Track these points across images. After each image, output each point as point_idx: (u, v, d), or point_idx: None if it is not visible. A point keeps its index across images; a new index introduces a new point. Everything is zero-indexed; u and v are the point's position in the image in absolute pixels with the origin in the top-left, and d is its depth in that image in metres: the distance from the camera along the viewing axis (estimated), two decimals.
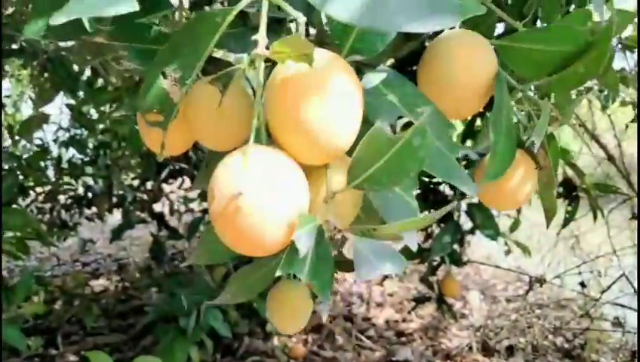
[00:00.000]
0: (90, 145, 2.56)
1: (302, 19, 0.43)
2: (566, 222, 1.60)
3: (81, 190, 2.61)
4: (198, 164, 2.37)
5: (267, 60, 0.46)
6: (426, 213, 0.53)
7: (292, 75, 0.43)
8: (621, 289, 2.22)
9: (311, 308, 0.70)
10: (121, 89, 1.68)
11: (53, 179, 2.43)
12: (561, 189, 1.59)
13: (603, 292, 2.22)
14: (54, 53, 1.31)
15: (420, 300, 1.98)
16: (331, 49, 0.47)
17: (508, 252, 2.12)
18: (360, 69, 0.54)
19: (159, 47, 0.54)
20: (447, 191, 1.62)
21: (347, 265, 0.76)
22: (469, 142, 1.27)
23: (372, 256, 0.43)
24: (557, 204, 0.75)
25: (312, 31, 0.60)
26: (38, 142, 2.46)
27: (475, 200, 1.58)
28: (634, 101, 1.67)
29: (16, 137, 2.26)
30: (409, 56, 0.67)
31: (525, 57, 0.59)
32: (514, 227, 1.96)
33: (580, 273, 2.41)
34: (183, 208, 2.89)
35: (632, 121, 1.85)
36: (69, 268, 3.23)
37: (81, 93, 1.77)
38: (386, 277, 2.72)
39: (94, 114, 2.39)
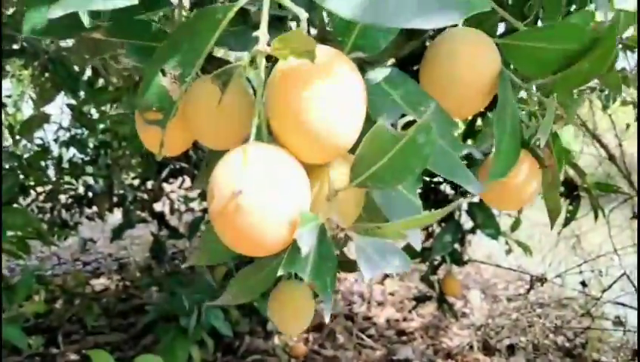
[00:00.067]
0: (91, 145, 2.56)
1: (304, 15, 0.42)
2: (567, 222, 1.60)
3: (81, 189, 2.61)
4: (199, 163, 2.37)
5: (268, 59, 0.45)
6: (427, 212, 0.51)
7: (293, 71, 0.43)
8: (622, 289, 2.22)
9: (313, 309, 0.69)
10: (122, 89, 1.68)
11: (53, 179, 2.43)
12: (562, 189, 1.59)
13: (604, 291, 2.21)
14: (55, 53, 1.31)
15: (420, 299, 1.98)
16: (333, 46, 0.46)
17: (509, 251, 2.12)
18: (362, 67, 0.53)
19: (158, 44, 0.52)
20: (448, 190, 1.61)
21: (350, 265, 0.75)
22: (469, 142, 1.27)
23: (375, 255, 0.42)
24: (561, 203, 0.74)
25: (313, 31, 0.59)
26: (38, 141, 2.46)
27: (476, 199, 1.58)
28: (635, 101, 1.67)
29: (17, 137, 2.26)
30: (410, 55, 0.66)
31: (529, 55, 0.58)
32: (515, 226, 1.96)
33: (581, 272, 2.41)
34: (183, 207, 2.90)
35: (635, 121, 1.85)
36: (69, 268, 3.23)
37: (82, 93, 1.77)
38: (386, 276, 2.71)
39: (95, 113, 2.39)
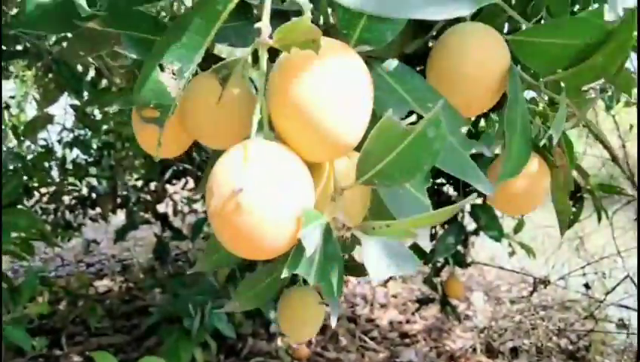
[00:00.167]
0: (94, 146, 2.57)
1: (308, 5, 0.40)
2: (570, 223, 1.60)
3: (85, 191, 2.62)
4: (202, 164, 2.37)
5: (272, 56, 0.44)
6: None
7: (297, 64, 0.41)
8: (626, 291, 2.22)
9: (322, 315, 0.68)
10: (126, 90, 1.69)
11: (57, 180, 2.44)
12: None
13: (607, 293, 2.21)
14: (59, 54, 1.31)
15: (423, 301, 1.98)
16: (338, 39, 0.45)
17: (512, 253, 2.12)
18: (367, 62, 0.51)
19: (157, 37, 0.51)
20: (451, 192, 1.61)
21: (359, 270, 0.74)
22: None
23: (383, 256, 0.39)
24: (570, 207, 0.72)
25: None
26: (42, 142, 2.47)
27: (479, 201, 1.57)
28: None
29: (21, 138, 2.27)
30: (414, 56, 0.66)
31: (540, 51, 0.57)
32: (518, 228, 1.96)
33: (584, 274, 2.41)
34: (186, 209, 2.90)
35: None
36: (73, 269, 3.23)
37: (85, 94, 1.78)
38: (389, 278, 2.71)
39: (98, 114, 2.40)
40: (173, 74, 0.44)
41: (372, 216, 0.52)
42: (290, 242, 0.40)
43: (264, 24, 0.42)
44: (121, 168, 2.52)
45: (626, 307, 2.18)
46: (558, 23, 0.59)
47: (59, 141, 2.51)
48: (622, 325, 2.28)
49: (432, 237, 1.80)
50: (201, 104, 0.51)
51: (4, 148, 2.32)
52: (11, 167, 1.88)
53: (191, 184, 2.68)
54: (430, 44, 0.67)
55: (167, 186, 2.71)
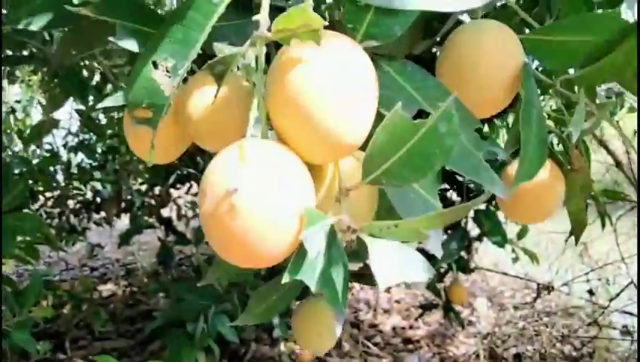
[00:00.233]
0: (99, 150, 2.58)
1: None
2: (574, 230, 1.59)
3: (89, 195, 2.63)
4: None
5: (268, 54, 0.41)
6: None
7: (297, 59, 0.38)
8: (630, 298, 2.21)
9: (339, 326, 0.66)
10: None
11: (62, 184, 2.45)
12: None
13: (611, 300, 2.20)
14: (52, 55, 1.32)
15: (426, 307, 1.98)
16: (345, 34, 0.42)
17: (516, 259, 2.12)
18: (374, 60, 0.48)
19: (151, 29, 0.49)
20: (455, 197, 1.61)
21: (367, 277, 0.71)
22: None
23: (392, 261, 0.37)
24: (586, 214, 0.67)
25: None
26: (47, 146, 2.48)
27: (482, 206, 1.57)
28: None
29: (26, 142, 2.28)
30: (419, 59, 0.64)
31: (556, 49, 0.55)
32: (522, 234, 1.96)
33: (588, 280, 2.40)
34: (190, 213, 2.90)
35: None
36: (77, 273, 3.24)
37: (90, 99, 1.79)
38: None
39: (103, 119, 2.41)
40: (167, 71, 0.42)
41: (380, 219, 0.48)
42: (290, 248, 0.37)
43: (263, 16, 0.40)
44: (126, 172, 2.52)
45: (630, 313, 2.18)
46: (576, 20, 0.57)
47: (64, 146, 2.52)
48: (626, 332, 2.27)
49: None
50: (197, 104, 0.49)
51: (10, 153, 2.33)
52: (16, 171, 1.89)
53: (195, 188, 2.68)
54: (434, 49, 0.66)
55: (172, 190, 2.71)
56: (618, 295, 2.16)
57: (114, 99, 0.58)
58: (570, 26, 0.54)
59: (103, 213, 2.66)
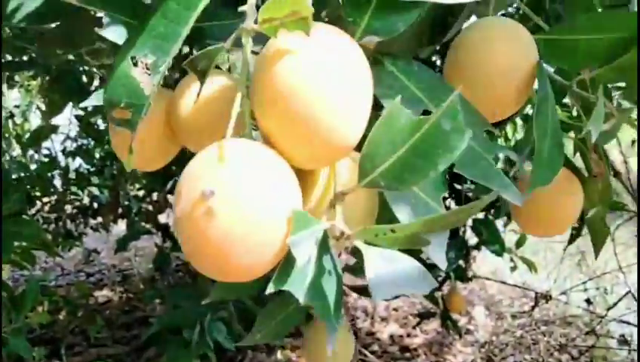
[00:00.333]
0: (97, 155, 2.57)
1: None
2: (572, 239, 1.59)
3: (86, 200, 2.62)
4: None
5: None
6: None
7: (284, 52, 0.34)
8: (628, 307, 2.21)
9: (353, 345, 0.61)
10: None
11: (60, 189, 2.44)
12: None
13: (609, 309, 2.20)
14: (66, 64, 1.32)
15: (424, 315, 1.98)
16: (343, 29, 0.39)
17: (514, 268, 2.12)
18: (377, 59, 0.46)
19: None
20: (453, 205, 1.61)
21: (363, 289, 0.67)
22: None
23: (389, 270, 0.33)
24: (607, 226, 0.63)
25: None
26: (45, 151, 2.47)
27: (480, 215, 1.57)
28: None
29: (25, 147, 2.28)
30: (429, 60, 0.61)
31: (572, 49, 0.52)
32: (520, 243, 1.95)
33: (586, 289, 2.40)
34: None
35: None
36: (73, 278, 3.22)
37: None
38: None
39: (102, 124, 2.41)
40: (147, 68, 0.38)
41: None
42: (274, 258, 0.34)
43: (249, 7, 0.37)
44: (123, 178, 2.52)
45: (628, 323, 2.17)
46: (589, 19, 0.55)
47: (63, 151, 2.52)
48: (623, 341, 2.26)
49: None
50: (185, 104, 0.46)
51: (8, 158, 2.33)
52: (14, 176, 1.89)
53: None
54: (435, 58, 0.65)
55: (169, 196, 2.70)
56: (616, 304, 2.16)
57: (97, 98, 0.55)
58: (584, 25, 0.52)
59: (99, 219, 2.66)
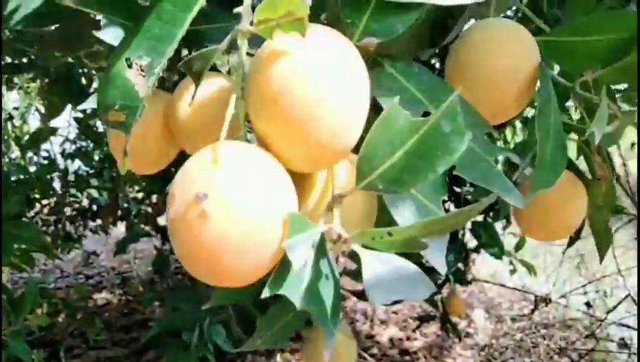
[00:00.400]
0: (96, 158, 2.57)
1: None
2: (572, 241, 1.59)
3: (85, 202, 2.62)
4: None
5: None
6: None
7: (279, 54, 0.34)
8: (627, 310, 2.20)
9: (355, 350, 0.61)
10: None
11: (59, 192, 2.44)
12: None
13: (609, 312, 2.20)
14: (65, 66, 1.32)
15: (424, 319, 1.97)
16: (341, 31, 0.39)
17: (513, 271, 2.11)
18: (377, 61, 0.46)
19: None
20: (452, 208, 1.61)
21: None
22: None
23: (387, 275, 0.32)
24: (611, 230, 0.62)
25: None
26: (44, 153, 2.47)
27: (479, 218, 1.57)
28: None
29: (24, 149, 2.28)
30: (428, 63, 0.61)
31: (573, 50, 0.52)
32: (519, 246, 1.95)
33: (585, 293, 2.40)
34: None
35: None
36: (72, 281, 3.22)
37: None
38: None
39: (101, 127, 2.41)
40: (142, 70, 0.38)
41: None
42: (270, 262, 0.33)
43: (245, 9, 0.37)
44: (122, 180, 2.52)
45: (627, 326, 2.17)
46: (592, 19, 0.54)
47: (62, 153, 2.52)
48: (623, 344, 2.26)
49: None
50: (180, 107, 0.46)
51: (6, 160, 2.33)
52: (13, 179, 1.89)
53: None
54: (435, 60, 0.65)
55: None
56: (615, 307, 2.16)
57: (95, 100, 0.56)
58: (584, 27, 0.52)
59: (99, 221, 2.65)
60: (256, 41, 0.38)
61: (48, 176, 2.36)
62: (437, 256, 0.41)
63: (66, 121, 2.42)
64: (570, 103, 0.68)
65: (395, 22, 0.42)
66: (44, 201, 2.46)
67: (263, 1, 0.33)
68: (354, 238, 0.34)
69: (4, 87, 2.15)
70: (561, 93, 0.56)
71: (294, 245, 0.31)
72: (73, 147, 2.55)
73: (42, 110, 2.22)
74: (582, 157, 0.66)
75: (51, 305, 2.30)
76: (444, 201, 1.49)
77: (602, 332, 2.34)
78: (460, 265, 1.65)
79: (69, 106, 1.77)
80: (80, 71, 1.51)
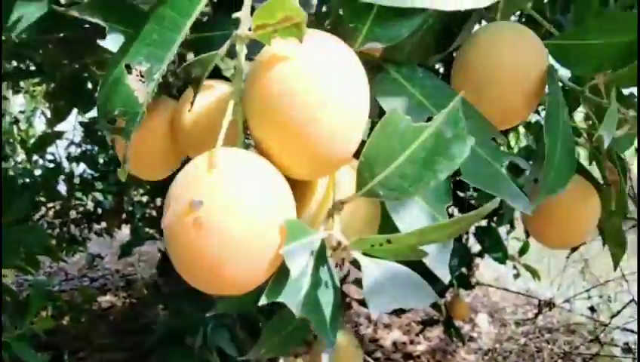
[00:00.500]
0: (101, 161, 2.58)
1: None
2: (576, 246, 1.59)
3: (90, 205, 2.62)
4: None
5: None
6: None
7: (277, 60, 0.34)
8: (631, 315, 2.19)
9: (361, 359, 0.60)
10: None
11: (65, 195, 2.45)
12: None
13: (613, 317, 2.19)
14: (71, 71, 1.33)
15: (427, 322, 1.97)
16: (346, 34, 0.39)
17: (517, 275, 2.11)
18: (382, 66, 0.45)
19: None
20: (456, 213, 1.61)
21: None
22: None
23: (387, 284, 0.31)
24: (625, 237, 0.62)
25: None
26: (50, 157, 2.49)
27: (483, 222, 1.57)
28: None
29: (29, 152, 2.29)
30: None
31: (583, 53, 0.51)
32: (523, 250, 1.95)
33: (589, 297, 2.39)
34: None
35: None
36: (76, 283, 3.23)
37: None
38: None
39: None
40: (142, 76, 0.38)
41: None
42: (267, 271, 0.33)
43: (244, 14, 0.36)
44: (128, 183, 2.53)
45: (631, 331, 2.16)
46: (602, 22, 0.53)
47: (67, 157, 2.53)
48: (627, 349, 2.25)
49: None
50: (184, 114, 0.46)
51: (12, 163, 2.34)
52: (20, 182, 1.90)
53: None
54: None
55: None
56: (619, 312, 2.15)
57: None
58: (595, 29, 0.51)
59: (103, 224, 2.66)
60: (256, 47, 0.38)
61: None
62: (440, 266, 0.40)
63: (71, 125, 2.43)
64: (581, 109, 0.67)
65: (399, 26, 0.41)
66: (50, 204, 2.47)
67: (260, 6, 0.33)
68: (353, 245, 0.33)
69: (10, 91, 2.16)
70: (570, 99, 0.56)
71: (292, 252, 0.30)
72: (78, 150, 2.56)
73: (48, 114, 2.23)
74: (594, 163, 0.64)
75: (56, 307, 2.31)
76: (448, 206, 1.49)
77: (606, 336, 2.33)
78: (464, 269, 1.65)
79: (74, 110, 1.78)
80: (85, 74, 1.52)
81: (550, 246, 0.67)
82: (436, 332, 2.60)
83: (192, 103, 0.42)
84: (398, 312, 2.80)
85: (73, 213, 2.61)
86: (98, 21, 0.45)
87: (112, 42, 0.46)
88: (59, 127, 2.01)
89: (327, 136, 0.34)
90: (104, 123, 0.39)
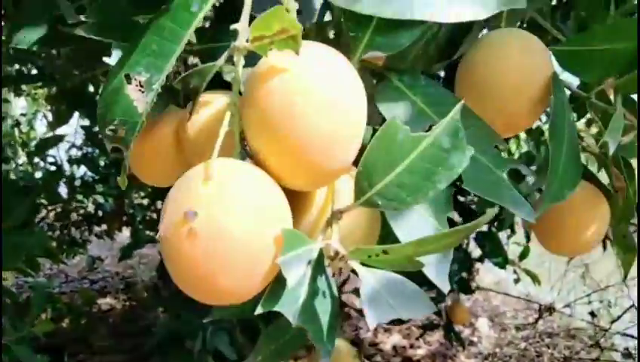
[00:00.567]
0: (102, 164, 2.59)
1: (293, 4, 0.35)
2: None
3: (91, 208, 2.63)
4: None
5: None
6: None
7: (275, 72, 0.34)
8: (631, 320, 2.19)
9: None
10: None
11: (65, 197, 2.46)
12: None
13: (613, 322, 2.19)
14: (81, 81, 1.33)
15: (427, 327, 1.97)
16: (346, 44, 0.39)
17: (517, 280, 2.11)
18: (383, 75, 0.45)
19: None
20: (456, 217, 1.61)
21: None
22: None
23: (384, 294, 0.31)
24: (634, 243, 0.61)
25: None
26: (51, 159, 2.49)
27: (484, 227, 1.57)
28: None
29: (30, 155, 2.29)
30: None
31: (589, 60, 0.50)
32: (523, 255, 1.95)
33: (589, 302, 2.39)
34: None
35: None
36: (76, 286, 3.23)
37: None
38: None
39: None
40: (141, 86, 0.38)
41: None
42: (263, 281, 0.33)
43: (242, 26, 0.36)
44: (128, 186, 2.53)
45: (631, 336, 2.16)
46: (608, 28, 0.53)
47: (69, 160, 2.54)
48: (627, 354, 2.25)
49: None
50: (188, 124, 0.46)
51: (13, 166, 2.34)
52: (22, 184, 1.90)
53: None
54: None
55: None
56: (620, 317, 2.15)
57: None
58: (601, 34, 0.50)
59: (104, 226, 2.66)
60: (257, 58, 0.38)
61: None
62: (439, 276, 0.40)
63: (72, 128, 2.43)
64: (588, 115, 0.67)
65: (400, 36, 0.41)
66: (50, 207, 2.47)
67: (257, 18, 0.33)
68: (350, 255, 0.33)
69: (11, 94, 2.17)
70: (577, 106, 0.55)
71: (289, 261, 0.30)
72: (79, 153, 2.57)
73: (49, 116, 2.24)
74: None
75: (56, 309, 2.31)
76: None
77: (606, 341, 2.33)
78: (464, 273, 1.65)
79: (75, 113, 1.78)
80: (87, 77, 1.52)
81: (560, 253, 0.66)
82: (436, 337, 2.60)
83: (190, 113, 0.43)
84: (396, 322, 2.80)
85: (74, 216, 2.61)
86: (104, 39, 0.46)
87: (117, 59, 0.45)
88: (60, 130, 2.01)
89: (325, 147, 0.34)
90: (104, 131, 0.39)
